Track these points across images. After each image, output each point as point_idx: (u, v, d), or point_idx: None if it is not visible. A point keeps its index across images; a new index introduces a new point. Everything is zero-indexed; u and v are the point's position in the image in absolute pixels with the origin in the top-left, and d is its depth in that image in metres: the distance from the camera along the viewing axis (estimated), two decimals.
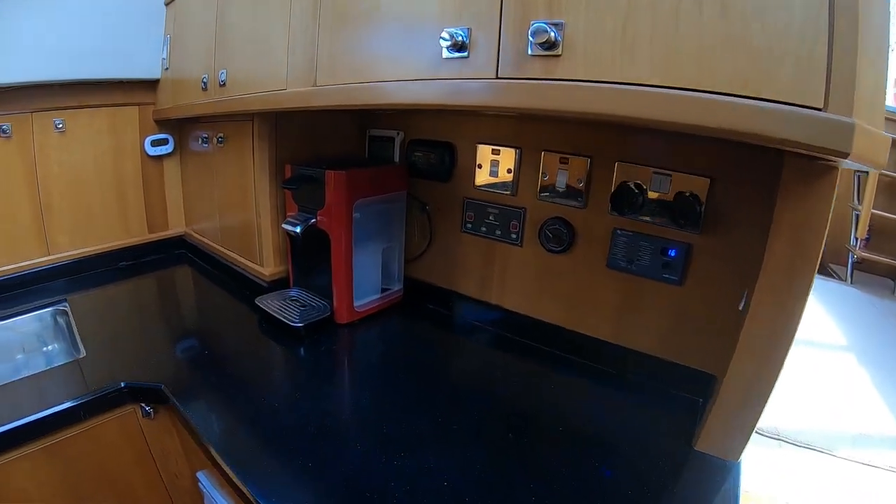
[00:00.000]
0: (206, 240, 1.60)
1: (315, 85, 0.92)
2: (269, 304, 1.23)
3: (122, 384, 0.99)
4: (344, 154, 1.42)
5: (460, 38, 0.67)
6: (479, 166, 1.20)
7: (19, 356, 1.31)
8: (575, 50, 0.59)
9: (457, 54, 0.69)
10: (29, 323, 1.32)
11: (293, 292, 1.30)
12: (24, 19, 1.33)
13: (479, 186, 1.21)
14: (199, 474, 0.92)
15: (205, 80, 1.25)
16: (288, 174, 1.20)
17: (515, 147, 1.13)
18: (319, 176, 1.13)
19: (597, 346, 1.07)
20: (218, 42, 1.21)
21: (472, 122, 1.20)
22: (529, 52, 0.62)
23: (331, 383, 1.01)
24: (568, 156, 1.05)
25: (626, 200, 0.95)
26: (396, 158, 1.37)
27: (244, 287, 1.41)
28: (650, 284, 0.99)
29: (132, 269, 1.60)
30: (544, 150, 1.08)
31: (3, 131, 1.37)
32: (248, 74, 1.11)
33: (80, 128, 1.47)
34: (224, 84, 1.18)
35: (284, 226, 1.17)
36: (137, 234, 1.64)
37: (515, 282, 1.19)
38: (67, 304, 1.34)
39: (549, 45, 0.60)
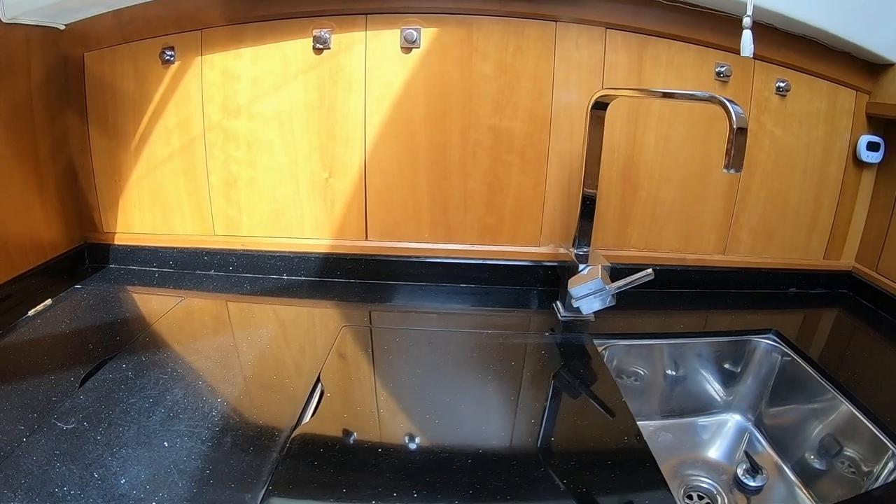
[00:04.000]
0: None
1: None
2: None
3: None
4: None
5: None
6: None
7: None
8: None
9: None
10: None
11: None
12: None
13: None
14: None
15: None
16: None
17: None
18: None
19: None
20: None
21: None
22: None
23: None
24: None
25: None
26: None
27: None
28: None
29: (796, 301, 1.24)
30: None
31: (720, 75, 1.10)
32: None
33: (801, 98, 1.16)
34: None
35: None
36: (813, 258, 1.27)
37: None
38: (777, 338, 1.02)
39: None
